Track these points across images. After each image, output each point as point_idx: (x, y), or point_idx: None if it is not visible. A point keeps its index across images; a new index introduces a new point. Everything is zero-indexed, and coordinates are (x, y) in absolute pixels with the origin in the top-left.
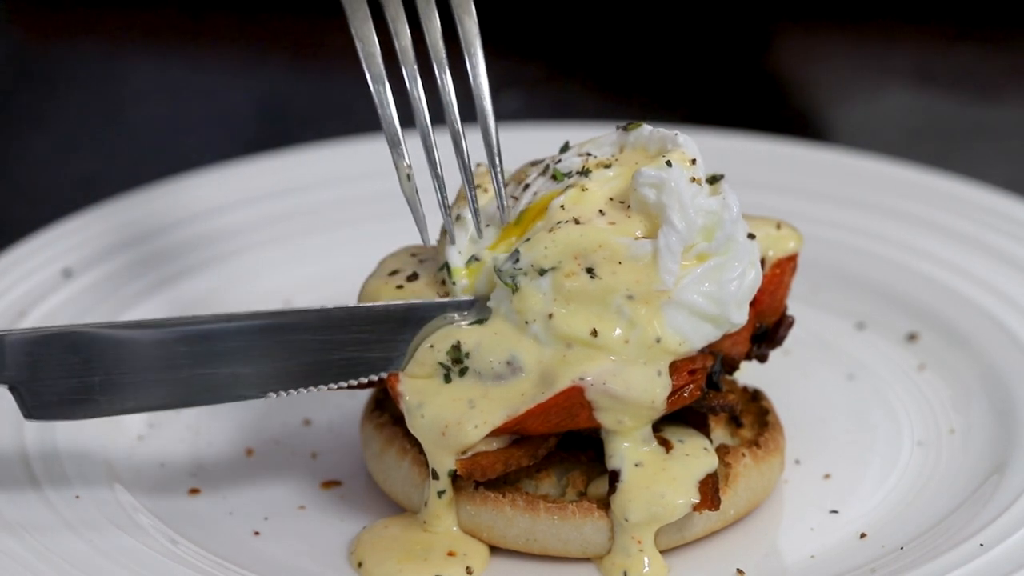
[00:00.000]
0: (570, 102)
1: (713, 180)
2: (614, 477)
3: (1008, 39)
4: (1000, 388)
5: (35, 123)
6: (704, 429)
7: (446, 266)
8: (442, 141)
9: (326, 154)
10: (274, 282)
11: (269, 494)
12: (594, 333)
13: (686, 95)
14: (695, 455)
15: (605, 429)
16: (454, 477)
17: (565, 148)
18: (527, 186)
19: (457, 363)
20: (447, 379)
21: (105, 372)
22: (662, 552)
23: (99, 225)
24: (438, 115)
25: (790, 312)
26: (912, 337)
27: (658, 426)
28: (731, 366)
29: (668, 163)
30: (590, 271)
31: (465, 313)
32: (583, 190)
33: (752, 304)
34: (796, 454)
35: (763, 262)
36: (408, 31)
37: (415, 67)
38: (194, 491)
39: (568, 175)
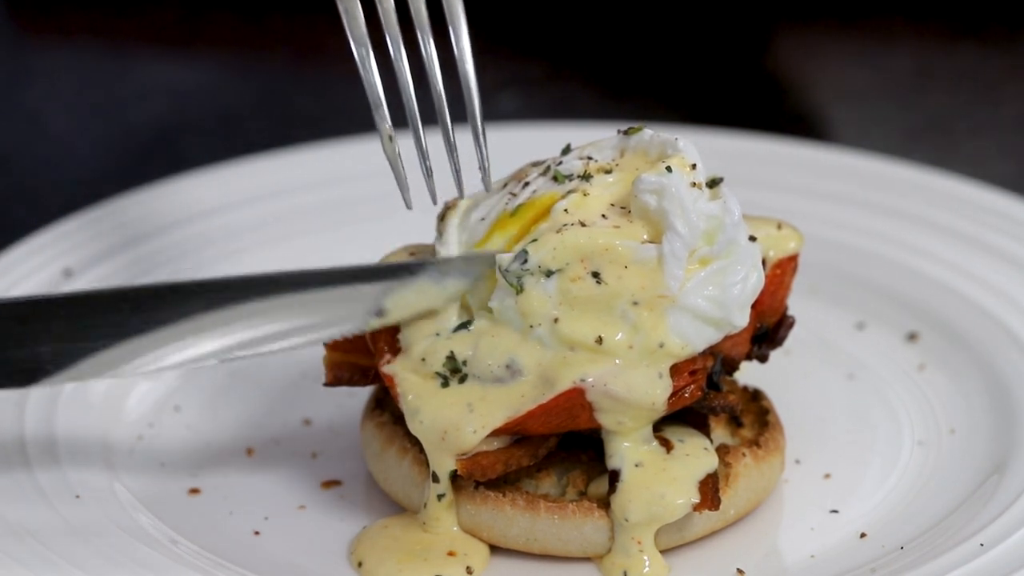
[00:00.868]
0: (570, 102)
1: (712, 184)
2: (614, 477)
3: (1008, 39)
4: (1000, 388)
5: (35, 123)
6: (704, 429)
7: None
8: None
9: (326, 154)
10: None
11: (269, 494)
12: (599, 340)
13: (686, 95)
14: (695, 455)
15: (605, 429)
16: (454, 477)
17: (567, 150)
18: (527, 184)
19: (455, 372)
20: (445, 385)
21: (54, 341)
22: (662, 552)
23: (99, 225)
24: (421, 83)
25: (790, 312)
26: (912, 337)
27: (658, 426)
28: (731, 366)
29: (668, 169)
30: (596, 275)
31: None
32: (585, 195)
33: (753, 305)
34: (796, 454)
35: (764, 262)
36: (393, 2)
37: (398, 31)
38: (194, 491)
39: (569, 177)
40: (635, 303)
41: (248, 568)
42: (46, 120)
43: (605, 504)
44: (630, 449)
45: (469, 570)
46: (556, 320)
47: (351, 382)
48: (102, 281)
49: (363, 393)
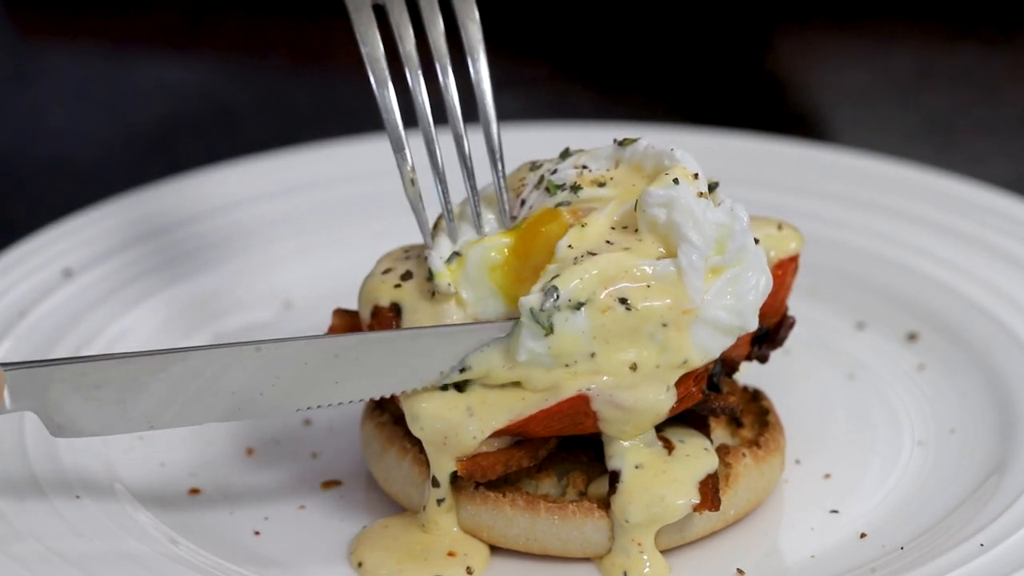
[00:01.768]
0: (570, 102)
1: (710, 189)
2: (614, 478)
3: (1008, 39)
4: (1000, 388)
5: (35, 123)
6: (704, 429)
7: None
8: (445, 144)
9: (327, 154)
10: (275, 282)
11: (269, 494)
12: (634, 367)
13: (686, 95)
14: (695, 455)
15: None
16: (454, 477)
17: (565, 154)
18: (523, 202)
19: (464, 382)
20: (445, 388)
21: (119, 392)
22: (662, 552)
23: (99, 225)
24: (440, 116)
25: (790, 312)
26: (912, 337)
27: (658, 427)
28: (732, 367)
29: (675, 180)
30: (623, 301)
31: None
32: (583, 226)
33: None
34: (796, 454)
35: None
36: (412, 35)
37: (419, 72)
38: (194, 491)
39: (562, 187)
40: (664, 325)
41: (248, 568)
42: (46, 120)
43: (605, 504)
44: (630, 450)
45: (469, 570)
46: (593, 355)
47: None
48: (102, 281)
49: None
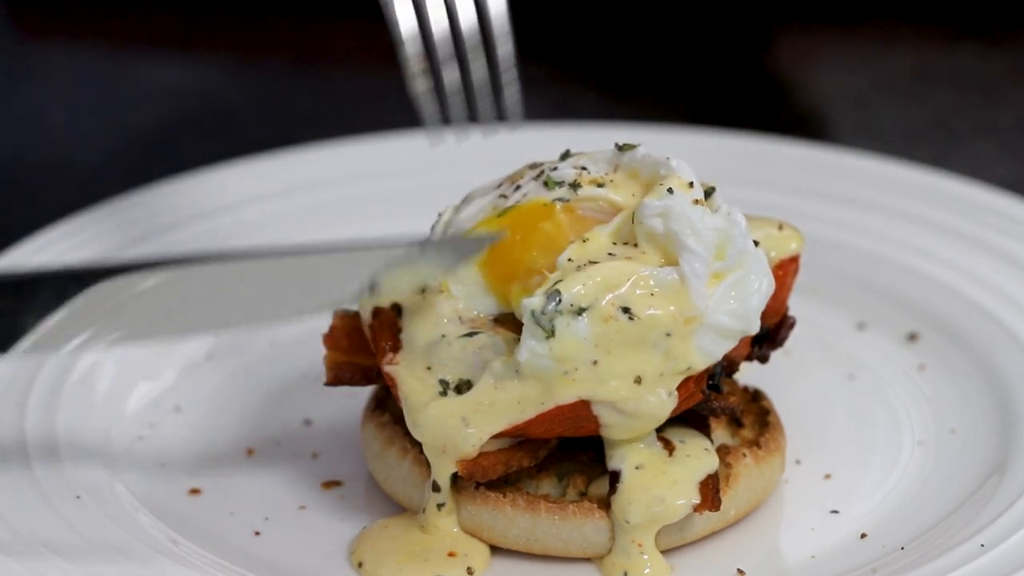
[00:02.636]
0: (571, 103)
1: (706, 195)
2: (614, 478)
3: (1008, 39)
4: (1000, 388)
5: (35, 123)
6: (705, 430)
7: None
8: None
9: (327, 154)
10: None
11: (269, 494)
12: (638, 380)
13: (686, 95)
14: (696, 456)
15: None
16: (455, 478)
17: (566, 155)
18: (518, 187)
19: (460, 387)
20: (444, 394)
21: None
22: (663, 552)
23: (99, 225)
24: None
25: (791, 313)
26: (912, 337)
27: (659, 427)
28: (732, 368)
29: (670, 190)
30: (626, 311)
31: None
32: (584, 241)
33: None
34: (796, 454)
35: None
36: None
37: None
38: (194, 491)
39: (560, 184)
40: (668, 335)
41: (248, 568)
42: (46, 120)
43: (606, 505)
44: (631, 450)
45: (470, 571)
46: (595, 363)
47: (352, 382)
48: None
49: (363, 393)
